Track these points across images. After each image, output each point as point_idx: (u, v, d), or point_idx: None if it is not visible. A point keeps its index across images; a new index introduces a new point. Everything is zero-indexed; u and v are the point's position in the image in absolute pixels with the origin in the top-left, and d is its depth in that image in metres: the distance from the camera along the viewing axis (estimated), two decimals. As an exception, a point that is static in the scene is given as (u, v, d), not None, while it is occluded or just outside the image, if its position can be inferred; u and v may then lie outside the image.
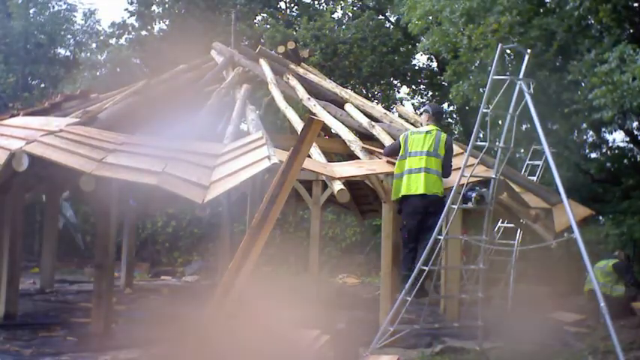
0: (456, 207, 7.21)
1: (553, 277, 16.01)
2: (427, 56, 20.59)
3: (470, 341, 7.83)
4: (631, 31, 9.62)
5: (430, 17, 12.62)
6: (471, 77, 11.79)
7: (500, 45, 7.42)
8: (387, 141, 8.86)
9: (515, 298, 11.32)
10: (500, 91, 7.16)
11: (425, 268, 7.06)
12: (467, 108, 18.60)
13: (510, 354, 7.09)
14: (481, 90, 12.03)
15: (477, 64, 11.70)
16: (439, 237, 7.07)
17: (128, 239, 13.03)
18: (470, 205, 7.33)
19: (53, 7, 22.16)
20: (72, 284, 13.03)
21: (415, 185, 7.37)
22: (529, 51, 7.85)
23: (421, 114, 8.18)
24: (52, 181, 10.77)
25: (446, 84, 15.20)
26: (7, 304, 8.48)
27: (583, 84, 9.62)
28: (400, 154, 7.62)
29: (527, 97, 7.03)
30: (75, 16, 23.32)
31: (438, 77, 18.98)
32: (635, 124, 11.05)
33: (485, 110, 7.33)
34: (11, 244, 8.53)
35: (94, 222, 12.19)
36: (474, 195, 7.26)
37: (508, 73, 11.05)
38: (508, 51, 11.47)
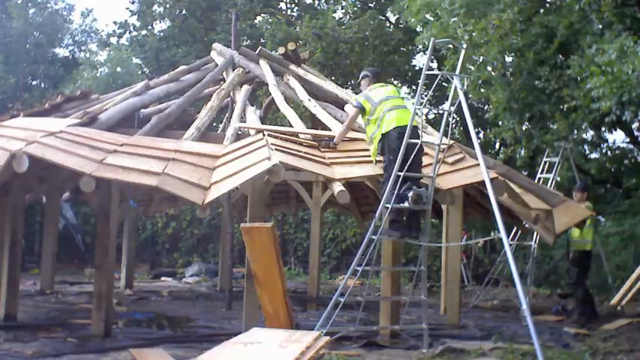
0: (389, 206, 6.99)
1: (554, 278, 16.03)
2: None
3: (470, 342, 7.84)
4: (631, 31, 9.61)
5: (429, 14, 12.61)
6: (470, 74, 11.78)
7: (433, 39, 7.35)
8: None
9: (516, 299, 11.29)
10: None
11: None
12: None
13: (511, 355, 7.08)
14: (482, 90, 12.03)
15: (479, 62, 11.68)
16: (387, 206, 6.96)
17: (128, 240, 13.03)
18: (406, 204, 7.06)
19: (52, 7, 22.14)
20: (72, 285, 13.01)
21: (395, 120, 7.34)
22: (465, 46, 7.82)
23: (359, 82, 8.30)
24: (52, 182, 10.77)
25: (446, 85, 15.20)
26: (8, 306, 8.47)
27: (582, 82, 9.62)
28: (368, 114, 7.58)
29: (461, 94, 6.97)
30: (73, 16, 23.36)
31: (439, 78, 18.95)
32: (635, 124, 11.05)
33: (417, 107, 7.34)
34: (11, 245, 8.52)
35: (94, 223, 12.20)
36: (410, 194, 7.01)
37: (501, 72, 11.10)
38: (508, 51, 11.48)
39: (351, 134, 8.81)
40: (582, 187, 10.60)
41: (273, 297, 5.35)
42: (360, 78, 8.31)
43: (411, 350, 7.29)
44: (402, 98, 7.71)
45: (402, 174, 6.97)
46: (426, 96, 9.24)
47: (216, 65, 11.80)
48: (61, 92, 14.21)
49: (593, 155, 17.08)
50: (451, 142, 8.10)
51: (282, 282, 5.30)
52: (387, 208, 6.96)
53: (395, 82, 21.17)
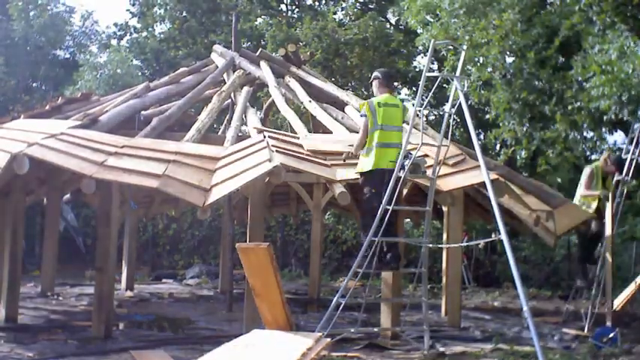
0: (402, 175, 6.87)
1: (554, 280, 16.02)
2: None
3: (471, 344, 7.83)
4: (633, 31, 9.61)
5: (429, 15, 12.63)
6: (470, 75, 11.78)
7: (433, 41, 7.24)
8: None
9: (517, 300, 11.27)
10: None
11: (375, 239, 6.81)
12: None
13: (512, 356, 7.08)
14: (482, 91, 12.03)
15: (480, 62, 11.67)
16: (387, 207, 6.78)
17: (129, 242, 13.02)
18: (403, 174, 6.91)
19: (52, 9, 22.18)
20: (73, 287, 13.01)
21: (389, 159, 7.08)
22: (465, 47, 7.72)
23: (371, 82, 7.70)
24: (52, 183, 10.77)
25: (446, 86, 15.23)
26: (8, 308, 8.47)
27: (584, 83, 9.62)
28: (370, 127, 7.19)
29: (461, 96, 6.88)
30: (73, 18, 23.39)
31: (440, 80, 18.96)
32: (636, 125, 11.03)
33: (418, 109, 7.25)
34: (12, 247, 8.52)
35: (95, 225, 12.20)
36: (407, 163, 6.88)
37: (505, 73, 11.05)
38: (509, 52, 11.47)
39: (353, 137, 8.82)
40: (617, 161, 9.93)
41: (271, 308, 5.37)
42: (371, 78, 7.79)
43: (412, 352, 7.29)
44: (401, 123, 7.35)
45: (390, 207, 6.78)
46: (426, 97, 9.22)
47: (217, 67, 11.81)
48: (61, 94, 14.22)
49: (594, 157, 17.06)
50: (451, 143, 8.07)
51: (281, 295, 5.30)
52: (374, 240, 6.81)
53: (398, 93, 21.19)
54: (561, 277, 16.14)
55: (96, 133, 8.15)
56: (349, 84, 18.85)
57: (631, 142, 9.91)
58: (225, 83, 11.16)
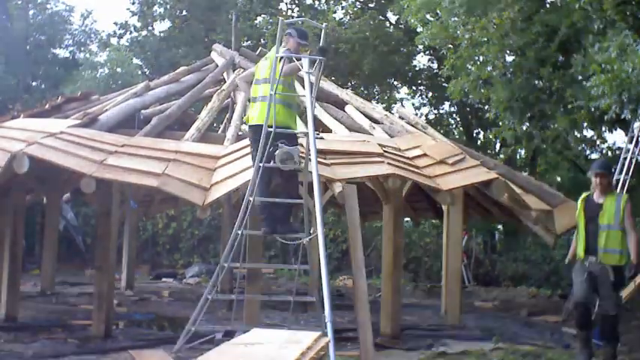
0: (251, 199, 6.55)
1: (554, 280, 16.02)
2: (428, 58, 20.61)
3: (471, 343, 7.84)
4: (633, 29, 9.60)
5: (429, 13, 12.63)
6: (470, 73, 11.77)
7: (280, 20, 6.86)
8: (387, 143, 8.86)
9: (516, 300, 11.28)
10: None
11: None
12: (467, 109, 18.60)
13: (512, 356, 7.08)
14: (482, 90, 12.02)
15: (480, 61, 11.66)
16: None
17: (129, 241, 13.03)
18: (275, 164, 6.53)
19: (52, 8, 22.17)
20: (73, 286, 13.01)
21: (259, 113, 6.87)
22: (325, 25, 7.49)
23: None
24: (52, 183, 10.77)
25: (446, 85, 15.23)
26: (8, 307, 8.48)
27: (585, 82, 9.61)
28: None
29: (305, 76, 6.46)
30: (73, 16, 23.39)
31: (439, 79, 19.00)
32: (636, 124, 11.04)
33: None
34: (12, 246, 8.52)
35: (95, 224, 12.20)
36: (277, 152, 6.49)
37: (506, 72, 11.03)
38: (508, 50, 11.46)
39: (353, 136, 8.82)
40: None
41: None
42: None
43: (411, 351, 7.29)
44: (267, 75, 6.98)
45: (261, 164, 6.49)
46: (426, 96, 9.21)
47: (217, 66, 11.80)
48: (61, 93, 14.21)
49: (594, 156, 17.08)
50: (450, 142, 8.06)
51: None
52: (250, 200, 6.58)
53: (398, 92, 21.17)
54: (561, 277, 16.11)
55: (96, 132, 8.15)
56: (349, 83, 18.85)
57: (631, 141, 9.90)
58: (225, 82, 11.15)
